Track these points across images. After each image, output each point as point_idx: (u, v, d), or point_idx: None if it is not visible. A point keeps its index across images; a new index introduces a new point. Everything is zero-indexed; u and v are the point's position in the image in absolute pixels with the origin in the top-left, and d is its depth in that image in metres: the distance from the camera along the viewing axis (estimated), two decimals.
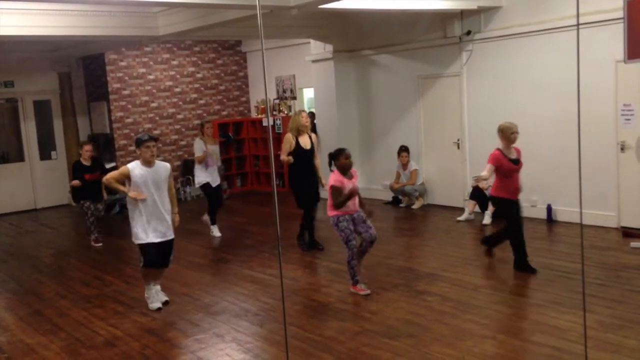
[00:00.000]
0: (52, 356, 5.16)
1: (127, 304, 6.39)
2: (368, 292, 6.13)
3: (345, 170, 6.15)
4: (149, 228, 5.90)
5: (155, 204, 5.89)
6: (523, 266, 6.57)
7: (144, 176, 5.85)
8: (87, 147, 9.21)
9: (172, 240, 6.08)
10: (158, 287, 6.25)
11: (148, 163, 5.90)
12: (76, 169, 9.15)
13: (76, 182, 9.00)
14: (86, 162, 9.11)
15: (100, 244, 9.24)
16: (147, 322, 5.81)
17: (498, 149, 6.56)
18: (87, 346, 5.32)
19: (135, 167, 5.89)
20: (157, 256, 5.98)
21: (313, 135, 8.04)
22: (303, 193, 7.86)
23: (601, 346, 4.57)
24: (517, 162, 6.57)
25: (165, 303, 6.19)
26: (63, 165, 13.30)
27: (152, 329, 5.64)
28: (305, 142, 7.80)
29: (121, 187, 5.91)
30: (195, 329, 5.56)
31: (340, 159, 6.15)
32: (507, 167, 6.47)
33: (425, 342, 4.91)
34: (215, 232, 9.37)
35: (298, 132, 7.77)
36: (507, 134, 6.51)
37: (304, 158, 7.77)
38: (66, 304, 6.55)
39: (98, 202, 9.33)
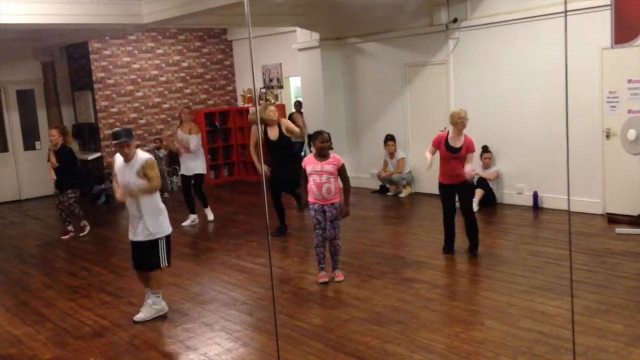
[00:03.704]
0: (39, 347, 5.12)
1: (114, 294, 6.36)
2: (325, 279, 6.19)
3: (320, 153, 6.12)
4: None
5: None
6: (449, 249, 6.91)
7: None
8: (53, 132, 8.91)
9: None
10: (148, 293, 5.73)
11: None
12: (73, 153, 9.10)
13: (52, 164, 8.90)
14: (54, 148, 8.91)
15: (69, 236, 9.15)
16: (135, 312, 5.76)
17: (447, 131, 6.77)
18: (74, 336, 5.29)
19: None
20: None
21: (284, 121, 8.24)
22: (272, 180, 8.21)
23: (588, 331, 4.62)
24: (455, 151, 6.60)
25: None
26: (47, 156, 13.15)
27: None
28: (273, 134, 8.04)
29: None
30: (184, 318, 5.54)
31: (316, 142, 6.14)
32: (443, 152, 6.65)
33: (413, 328, 4.93)
34: (187, 221, 9.45)
35: (267, 124, 8.01)
36: (454, 119, 6.62)
37: (272, 148, 8.11)
38: (52, 294, 6.50)
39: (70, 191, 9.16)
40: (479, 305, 5.46)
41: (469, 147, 6.60)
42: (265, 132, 7.99)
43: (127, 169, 5.38)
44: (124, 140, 5.27)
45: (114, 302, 6.10)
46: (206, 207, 9.60)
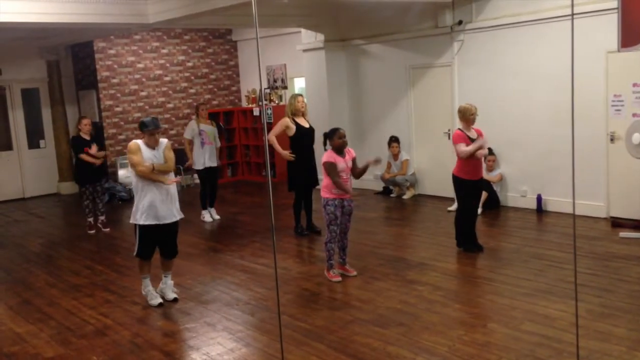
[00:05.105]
0: (42, 345, 5.13)
1: (117, 293, 6.37)
2: (339, 279, 6.24)
3: (339, 149, 6.19)
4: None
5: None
6: (473, 245, 6.97)
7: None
8: (86, 121, 9.06)
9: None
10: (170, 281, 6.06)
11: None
12: (76, 144, 9.04)
13: (85, 156, 8.85)
14: (86, 136, 9.01)
15: (108, 229, 9.36)
16: (138, 311, 5.79)
17: (459, 129, 6.84)
18: (77, 335, 5.30)
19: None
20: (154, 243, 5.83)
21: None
22: (298, 174, 7.99)
23: (591, 335, 4.61)
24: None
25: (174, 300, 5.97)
26: (52, 154, 13.20)
27: (143, 318, 5.63)
28: (303, 122, 8.03)
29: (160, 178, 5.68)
30: (186, 318, 5.55)
31: (334, 139, 6.19)
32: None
33: (415, 330, 4.92)
34: (207, 217, 9.59)
35: (295, 115, 7.97)
36: (467, 115, 6.80)
37: (304, 137, 7.97)
38: (56, 293, 6.51)
39: (98, 183, 9.32)
40: (482, 307, 5.45)
41: (481, 134, 6.91)
42: (295, 123, 7.92)
43: (153, 154, 5.68)
44: (155, 128, 5.64)
45: (117, 301, 6.11)
46: (212, 205, 9.79)
